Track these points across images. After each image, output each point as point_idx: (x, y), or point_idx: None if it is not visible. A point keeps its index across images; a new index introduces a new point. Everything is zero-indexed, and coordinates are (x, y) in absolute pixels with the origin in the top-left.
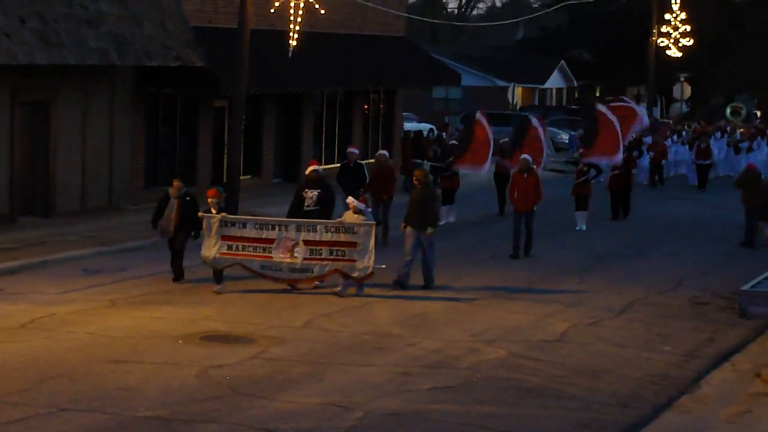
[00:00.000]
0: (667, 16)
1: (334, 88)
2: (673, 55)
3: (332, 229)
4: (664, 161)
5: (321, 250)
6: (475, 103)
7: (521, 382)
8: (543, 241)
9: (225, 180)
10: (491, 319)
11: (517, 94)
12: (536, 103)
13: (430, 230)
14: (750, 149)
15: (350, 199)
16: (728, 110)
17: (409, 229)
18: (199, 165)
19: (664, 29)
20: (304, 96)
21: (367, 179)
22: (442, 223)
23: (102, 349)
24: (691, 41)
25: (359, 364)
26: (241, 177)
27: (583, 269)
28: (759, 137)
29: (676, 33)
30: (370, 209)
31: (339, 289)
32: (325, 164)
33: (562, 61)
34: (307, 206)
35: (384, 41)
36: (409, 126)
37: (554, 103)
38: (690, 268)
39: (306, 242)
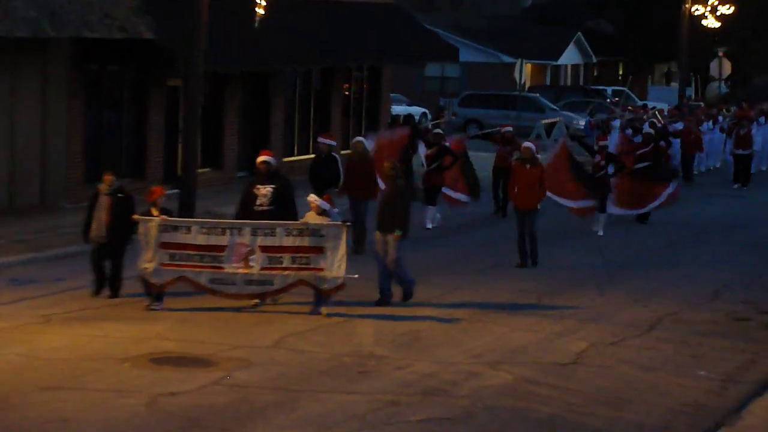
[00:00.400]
0: None
1: (308, 66)
2: (709, 25)
3: (294, 232)
4: (699, 153)
5: (282, 257)
6: (475, 83)
7: (531, 412)
8: (554, 246)
9: (180, 173)
10: (494, 338)
11: (525, 71)
12: (548, 82)
13: (396, 233)
14: None
15: (312, 197)
16: None
17: (377, 234)
18: (149, 155)
19: None
20: (273, 74)
21: (341, 175)
22: (429, 227)
23: (34, 373)
24: (732, 8)
25: (338, 392)
26: (199, 170)
27: (602, 279)
28: None
29: None
30: (336, 209)
31: (313, 309)
32: (298, 155)
33: (579, 34)
34: (260, 205)
35: (368, 9)
36: (398, 109)
37: (569, 83)
38: (728, 278)
39: (263, 248)
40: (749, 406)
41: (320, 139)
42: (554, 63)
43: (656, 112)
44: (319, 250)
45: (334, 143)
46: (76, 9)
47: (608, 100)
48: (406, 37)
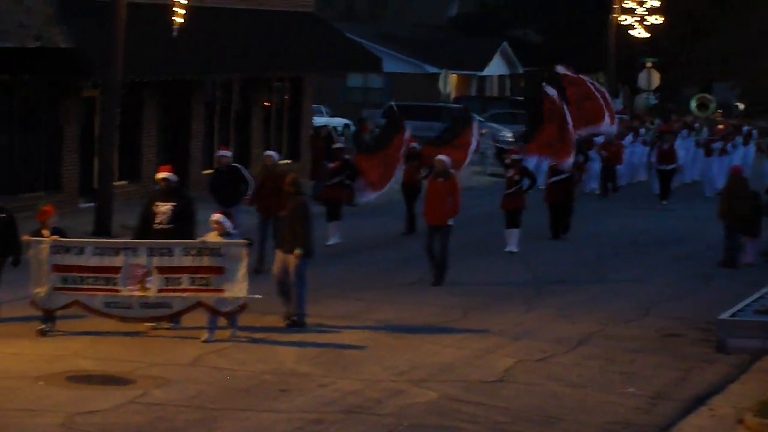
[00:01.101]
0: None
1: (228, 75)
2: (638, 35)
3: (193, 252)
4: (618, 166)
5: (180, 278)
6: (400, 93)
7: (457, 430)
8: (480, 262)
9: (96, 186)
10: (419, 355)
11: (450, 82)
12: (474, 93)
13: (297, 251)
14: (724, 151)
15: (216, 217)
16: (693, 103)
17: (277, 253)
18: (64, 168)
19: (627, 4)
20: (192, 84)
21: (250, 183)
22: (330, 243)
23: None
24: (661, 19)
25: (259, 410)
26: (116, 183)
27: (529, 295)
28: (737, 136)
29: (642, 9)
30: (236, 230)
31: (206, 336)
32: None
33: (505, 44)
34: (159, 224)
35: (289, 18)
36: (320, 121)
37: (495, 94)
38: (658, 293)
39: (160, 269)
40: (679, 423)
41: (220, 153)
42: (480, 74)
43: None
44: (219, 270)
45: (230, 154)
46: None
47: None
48: (327, 47)
